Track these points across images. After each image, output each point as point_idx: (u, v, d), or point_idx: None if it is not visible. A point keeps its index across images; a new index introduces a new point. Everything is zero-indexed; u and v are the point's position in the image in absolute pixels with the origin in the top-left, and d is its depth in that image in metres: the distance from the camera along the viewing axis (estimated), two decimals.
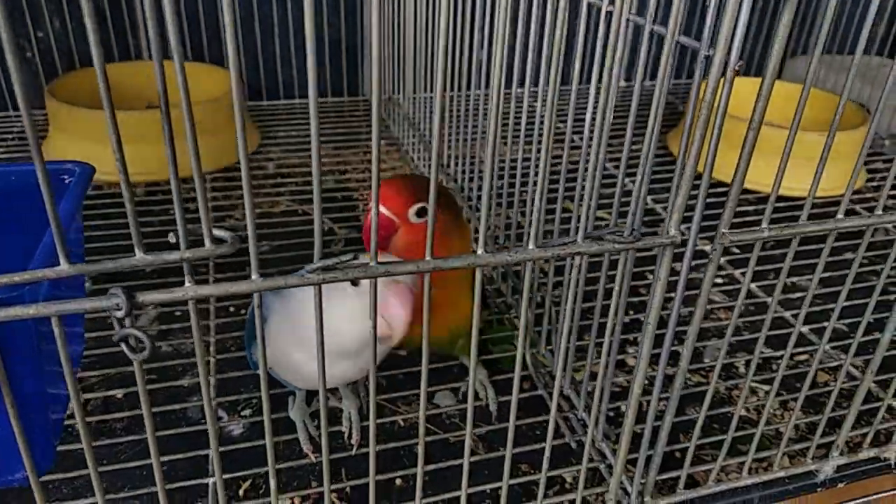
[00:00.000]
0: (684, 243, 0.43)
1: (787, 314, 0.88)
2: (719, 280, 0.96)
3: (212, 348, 0.77)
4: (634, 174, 0.47)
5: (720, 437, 0.65)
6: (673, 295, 0.46)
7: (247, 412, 0.71)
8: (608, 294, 0.52)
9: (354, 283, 0.52)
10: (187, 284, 0.34)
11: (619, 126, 0.64)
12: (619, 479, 0.54)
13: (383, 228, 0.62)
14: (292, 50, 1.37)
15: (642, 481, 0.55)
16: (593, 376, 0.66)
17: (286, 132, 1.30)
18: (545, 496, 0.54)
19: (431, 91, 1.02)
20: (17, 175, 0.46)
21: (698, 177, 0.41)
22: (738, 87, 0.42)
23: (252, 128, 1.26)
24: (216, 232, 0.34)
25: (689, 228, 0.43)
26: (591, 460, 0.63)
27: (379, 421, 0.70)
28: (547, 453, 0.48)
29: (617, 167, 1.22)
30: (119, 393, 0.72)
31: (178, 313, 0.82)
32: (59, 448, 0.63)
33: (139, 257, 0.32)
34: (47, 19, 1.26)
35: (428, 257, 0.37)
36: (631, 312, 0.86)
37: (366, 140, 1.30)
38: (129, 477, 0.63)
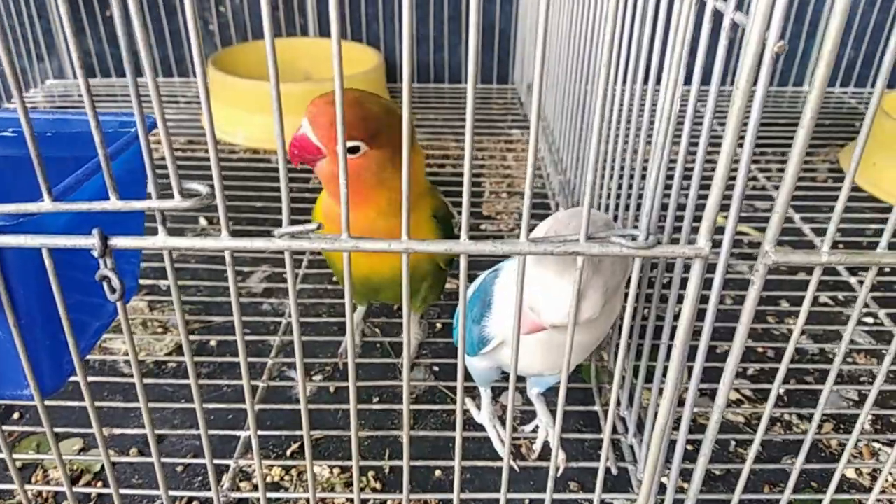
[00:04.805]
0: (714, 257, 0.37)
1: None
2: (868, 320, 0.82)
3: (291, 308, 0.80)
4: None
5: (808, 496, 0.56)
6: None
7: (318, 377, 0.74)
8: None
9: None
10: (160, 234, 0.35)
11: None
12: None
13: (307, 151, 0.57)
14: (446, 34, 1.38)
15: None
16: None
17: (423, 115, 1.32)
18: None
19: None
20: (83, 124, 0.51)
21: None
22: None
23: None
24: (195, 186, 0.35)
25: (717, 240, 0.37)
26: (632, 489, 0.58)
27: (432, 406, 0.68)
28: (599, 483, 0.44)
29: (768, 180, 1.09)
30: (213, 340, 0.78)
31: (285, 276, 0.87)
32: (147, 381, 0.70)
33: (111, 202, 0.34)
34: None
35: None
36: (749, 340, 0.77)
37: (507, 128, 1.28)
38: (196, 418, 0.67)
